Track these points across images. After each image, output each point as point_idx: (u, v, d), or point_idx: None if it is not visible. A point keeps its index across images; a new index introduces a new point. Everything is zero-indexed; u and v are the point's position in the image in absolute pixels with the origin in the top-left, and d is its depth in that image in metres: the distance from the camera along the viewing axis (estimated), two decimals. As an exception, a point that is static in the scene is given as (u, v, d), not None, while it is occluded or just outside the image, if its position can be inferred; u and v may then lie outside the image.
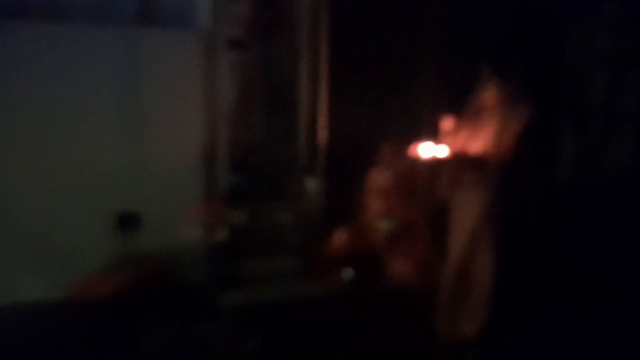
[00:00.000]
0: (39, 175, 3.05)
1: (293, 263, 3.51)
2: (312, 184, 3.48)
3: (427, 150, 3.02)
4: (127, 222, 3.22)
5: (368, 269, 3.34)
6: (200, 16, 3.28)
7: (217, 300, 3.04)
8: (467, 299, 2.84)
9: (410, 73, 3.80)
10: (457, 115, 2.95)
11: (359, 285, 3.24)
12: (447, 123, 2.96)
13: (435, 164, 3.03)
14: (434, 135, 3.06)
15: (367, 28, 3.75)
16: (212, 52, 3.22)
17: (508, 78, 2.80)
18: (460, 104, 3.00)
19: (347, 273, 3.22)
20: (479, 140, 2.82)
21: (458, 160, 2.89)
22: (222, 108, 3.31)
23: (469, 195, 2.80)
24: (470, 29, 3.85)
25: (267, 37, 3.37)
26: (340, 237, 3.37)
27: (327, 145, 3.48)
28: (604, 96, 4.42)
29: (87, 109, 3.07)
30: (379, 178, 3.49)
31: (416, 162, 3.20)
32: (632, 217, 4.11)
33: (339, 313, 3.08)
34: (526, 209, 3.05)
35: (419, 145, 3.10)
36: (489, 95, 2.83)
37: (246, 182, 3.47)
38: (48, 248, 3.09)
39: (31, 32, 2.95)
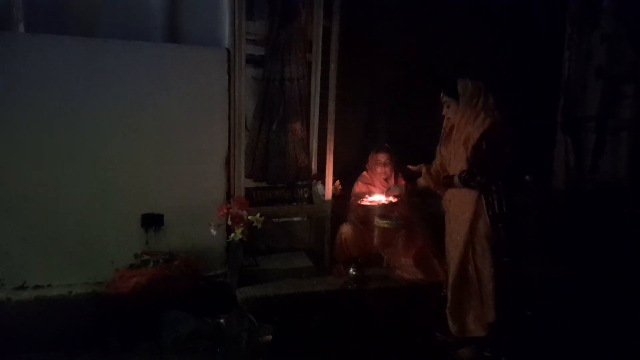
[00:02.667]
0: (74, 181, 3.28)
1: (305, 260, 3.75)
2: (322, 189, 3.70)
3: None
4: (154, 221, 3.49)
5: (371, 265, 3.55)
6: (222, 35, 3.53)
7: (234, 294, 3.27)
8: (471, 297, 2.88)
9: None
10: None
11: (364, 280, 3.44)
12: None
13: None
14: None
15: (375, 46, 4.03)
16: (232, 67, 3.45)
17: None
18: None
19: (354, 269, 3.43)
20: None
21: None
22: (242, 119, 3.55)
23: (465, 199, 2.85)
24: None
25: (282, 54, 3.59)
26: (347, 235, 3.58)
27: (335, 153, 3.70)
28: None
29: (119, 119, 3.32)
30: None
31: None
32: (625, 224, 4.29)
33: (347, 307, 3.31)
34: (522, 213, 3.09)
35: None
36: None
37: (263, 186, 3.72)
38: (82, 248, 3.34)
39: (71, 46, 3.18)
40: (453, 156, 2.90)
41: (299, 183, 3.79)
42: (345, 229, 3.58)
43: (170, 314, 3.02)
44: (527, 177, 4.76)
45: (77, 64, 3.21)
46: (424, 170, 3.15)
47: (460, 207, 2.87)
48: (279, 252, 3.84)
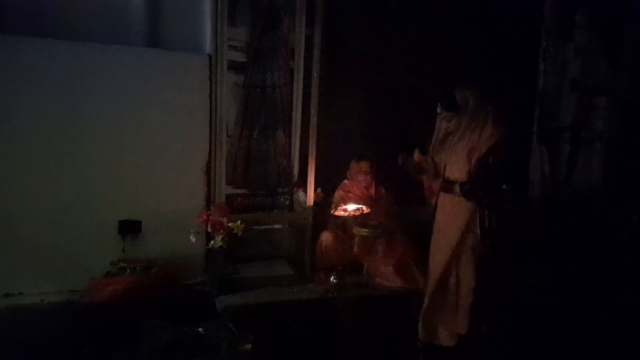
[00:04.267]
0: (49, 186, 3.23)
1: (286, 267, 3.75)
2: (303, 196, 3.70)
3: None
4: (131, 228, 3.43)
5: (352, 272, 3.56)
6: (203, 41, 3.52)
7: (214, 302, 3.24)
8: (446, 306, 2.90)
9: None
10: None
11: (344, 288, 3.45)
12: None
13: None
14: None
15: (358, 54, 4.08)
16: (214, 73, 3.44)
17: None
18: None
19: (334, 276, 3.44)
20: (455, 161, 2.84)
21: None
22: (223, 125, 3.53)
23: (461, 208, 2.82)
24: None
25: (265, 61, 3.60)
26: (327, 243, 3.58)
27: (319, 160, 3.71)
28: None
29: (98, 124, 3.27)
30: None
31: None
32: (598, 232, 4.40)
33: (327, 315, 3.30)
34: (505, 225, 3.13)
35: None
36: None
37: (244, 193, 3.71)
38: (56, 254, 3.26)
39: (47, 49, 3.13)
40: (449, 163, 2.85)
41: (280, 190, 3.78)
42: (326, 237, 3.58)
43: (148, 323, 2.95)
44: (504, 186, 4.86)
45: (54, 67, 3.16)
46: (429, 159, 2.98)
47: (453, 214, 2.84)
48: (260, 260, 3.83)
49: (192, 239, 3.26)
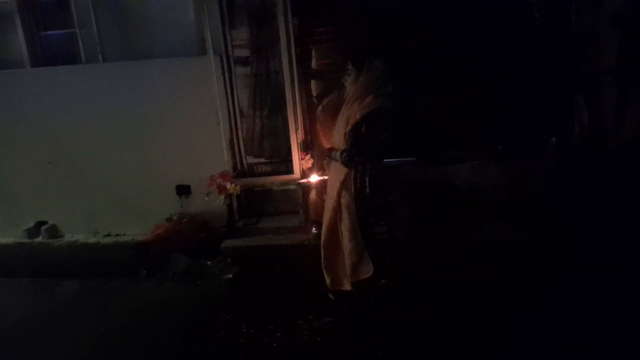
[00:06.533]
0: (133, 161, 4.73)
1: (296, 220, 4.51)
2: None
3: None
4: (184, 190, 4.74)
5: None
6: (217, 43, 4.47)
7: (220, 245, 4.31)
8: (340, 255, 3.23)
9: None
10: None
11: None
12: None
13: None
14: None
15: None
16: (226, 69, 4.42)
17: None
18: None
19: (315, 228, 4.12)
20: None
21: None
22: (238, 108, 4.50)
23: (338, 170, 3.21)
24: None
25: (266, 52, 4.39)
26: (312, 200, 4.24)
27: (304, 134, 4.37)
28: None
29: (151, 119, 4.63)
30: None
31: None
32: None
33: (303, 257, 4.00)
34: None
35: None
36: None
37: (263, 161, 4.64)
38: (139, 209, 4.80)
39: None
40: (336, 127, 3.22)
41: (291, 158, 4.55)
42: (311, 196, 4.22)
43: (173, 255, 4.25)
44: (552, 139, 4.58)
45: (120, 83, 4.60)
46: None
47: (334, 176, 3.26)
48: (282, 214, 4.70)
49: (206, 198, 4.37)
